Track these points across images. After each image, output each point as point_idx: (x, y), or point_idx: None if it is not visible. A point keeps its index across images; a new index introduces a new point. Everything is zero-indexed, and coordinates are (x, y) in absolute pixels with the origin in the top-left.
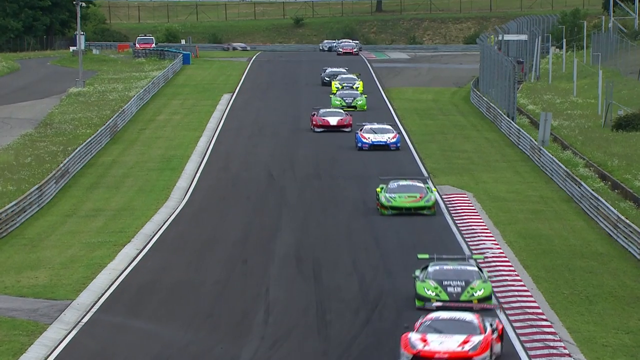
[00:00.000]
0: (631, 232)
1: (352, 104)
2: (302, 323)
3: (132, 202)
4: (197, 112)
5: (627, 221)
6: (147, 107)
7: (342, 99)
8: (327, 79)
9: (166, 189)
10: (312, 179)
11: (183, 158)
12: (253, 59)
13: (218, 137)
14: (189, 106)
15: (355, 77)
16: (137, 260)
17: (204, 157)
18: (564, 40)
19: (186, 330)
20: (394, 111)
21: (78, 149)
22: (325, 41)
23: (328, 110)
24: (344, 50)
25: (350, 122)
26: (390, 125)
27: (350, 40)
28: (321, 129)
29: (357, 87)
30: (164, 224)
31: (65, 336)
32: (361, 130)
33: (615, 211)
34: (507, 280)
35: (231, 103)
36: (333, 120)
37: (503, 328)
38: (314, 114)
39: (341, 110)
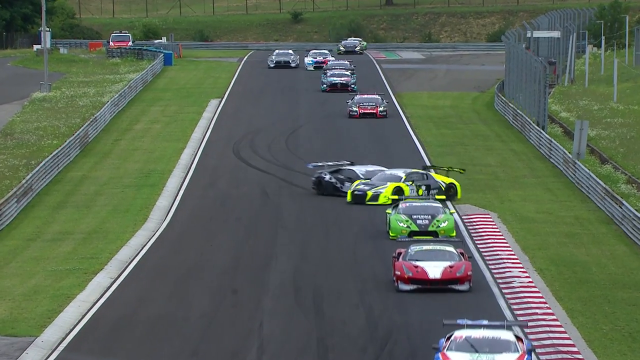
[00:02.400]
0: None
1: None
2: None
3: (105, 224)
4: (181, 121)
5: None
6: (122, 114)
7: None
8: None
9: (144, 208)
10: (313, 197)
11: (164, 173)
12: (244, 59)
13: (204, 149)
14: (171, 114)
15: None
16: (111, 291)
17: (188, 172)
18: (603, 37)
19: None
20: (407, 119)
21: (43, 162)
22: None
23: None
24: (361, 111)
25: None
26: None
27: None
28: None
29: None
30: (142, 248)
31: None
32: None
33: None
34: (537, 314)
35: (219, 110)
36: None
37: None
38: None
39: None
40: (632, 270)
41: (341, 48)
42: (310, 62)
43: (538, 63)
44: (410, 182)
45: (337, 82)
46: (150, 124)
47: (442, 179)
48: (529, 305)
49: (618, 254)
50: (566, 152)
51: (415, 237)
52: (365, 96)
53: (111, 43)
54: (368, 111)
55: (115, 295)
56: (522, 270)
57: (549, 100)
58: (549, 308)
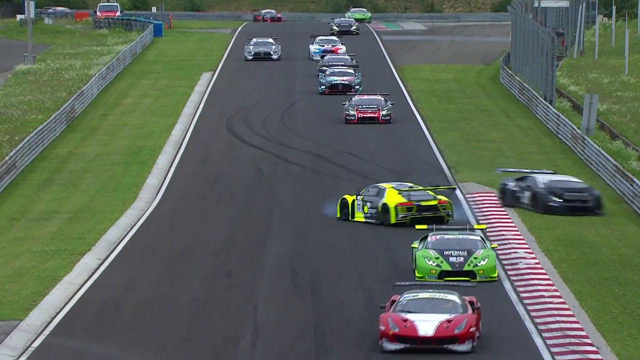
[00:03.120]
0: None
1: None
2: (297, 348)
3: (93, 203)
4: (171, 95)
5: None
6: (110, 88)
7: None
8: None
9: (134, 186)
10: (310, 175)
11: (154, 150)
12: (238, 30)
13: (196, 124)
14: (161, 87)
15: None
16: (99, 273)
17: (180, 148)
18: (614, 6)
19: (158, 356)
20: (408, 94)
21: (27, 138)
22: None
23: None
24: (360, 115)
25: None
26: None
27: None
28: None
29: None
30: (132, 229)
31: None
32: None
33: None
34: (544, 296)
35: (212, 84)
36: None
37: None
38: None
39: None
40: None
41: (334, 27)
42: (317, 50)
43: (545, 34)
44: (360, 197)
45: (338, 82)
46: (140, 98)
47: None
48: (535, 287)
49: (629, 233)
50: (575, 127)
51: (448, 279)
52: (366, 97)
53: (98, 13)
54: (368, 115)
55: (103, 277)
56: (528, 251)
57: (557, 73)
58: (557, 290)
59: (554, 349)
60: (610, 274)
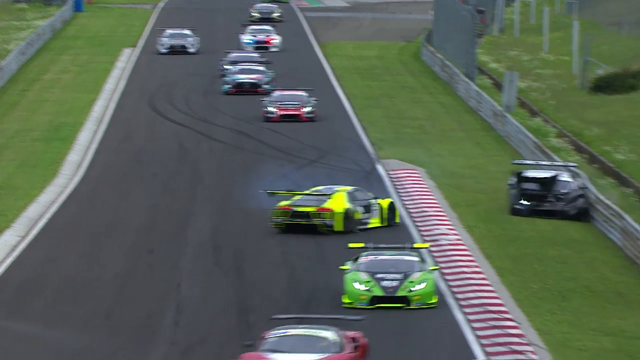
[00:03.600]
0: (612, 214)
1: None
2: (220, 325)
3: (13, 180)
4: (93, 71)
5: (608, 202)
6: (30, 64)
7: None
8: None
9: (54, 163)
10: (233, 152)
11: (75, 126)
12: (160, 6)
13: (119, 101)
14: (82, 63)
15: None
16: (19, 251)
17: (101, 125)
18: None
19: (80, 334)
20: (331, 70)
21: None
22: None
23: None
24: (281, 112)
25: None
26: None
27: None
28: None
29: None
30: (52, 205)
31: None
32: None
33: (594, 189)
34: (465, 272)
35: (134, 60)
36: None
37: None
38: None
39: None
40: (562, 227)
41: (254, 14)
42: (250, 41)
43: (466, 12)
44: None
45: (244, 81)
46: (60, 74)
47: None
48: (457, 264)
49: None
50: (495, 104)
51: (379, 305)
52: (287, 92)
53: None
54: (290, 112)
55: (24, 255)
56: (450, 227)
57: (478, 50)
58: (478, 267)
59: (474, 324)
60: (530, 250)
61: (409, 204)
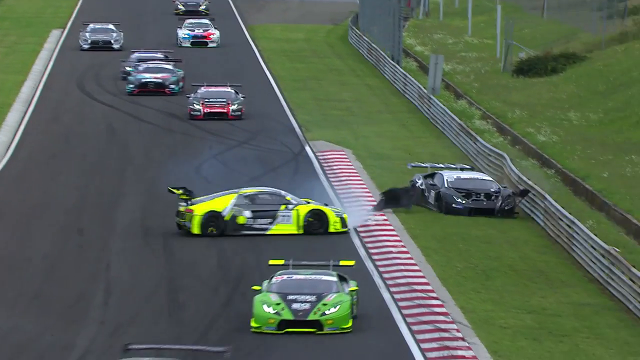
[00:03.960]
0: (534, 195)
1: None
2: (150, 305)
3: None
4: (21, 52)
5: (530, 182)
6: None
7: None
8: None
9: None
10: (162, 133)
11: (3, 107)
12: None
13: (46, 82)
14: (9, 44)
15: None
16: None
17: (30, 106)
18: None
19: (8, 314)
20: (259, 53)
21: None
22: None
23: None
24: (206, 110)
25: None
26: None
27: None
28: None
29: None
30: None
31: None
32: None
33: (517, 170)
34: (392, 252)
35: (62, 41)
36: None
37: None
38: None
39: None
40: None
41: (179, 7)
42: (186, 35)
43: None
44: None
45: (149, 80)
46: None
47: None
48: (384, 244)
49: None
50: (421, 87)
51: (289, 330)
52: (213, 89)
53: None
54: (216, 110)
55: None
56: None
57: (404, 33)
58: (404, 246)
59: (401, 303)
60: (454, 230)
61: (336, 185)
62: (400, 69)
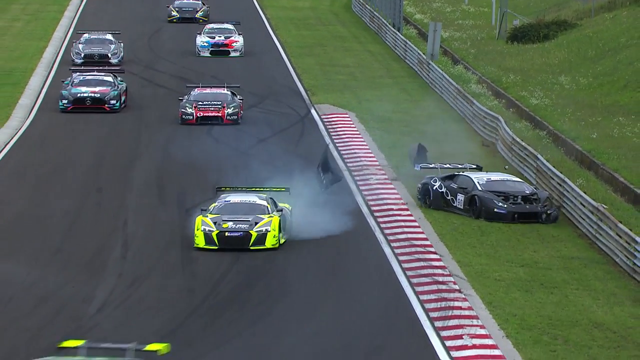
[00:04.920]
0: (527, 155)
1: None
2: (165, 258)
3: None
4: (42, 19)
5: (523, 143)
6: None
7: None
8: None
9: (7, 106)
10: (176, 97)
11: (26, 71)
12: None
13: (66, 48)
14: (32, 12)
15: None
16: None
17: (51, 70)
18: None
19: (31, 267)
20: (267, 21)
21: None
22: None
23: None
24: (199, 114)
25: None
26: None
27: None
28: None
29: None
30: (5, 147)
31: None
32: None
33: (511, 132)
34: (392, 209)
35: (81, 8)
36: None
37: None
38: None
39: None
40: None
41: (173, 13)
42: (205, 43)
43: None
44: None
45: (85, 95)
46: (11, 22)
47: None
48: (385, 201)
49: (469, 150)
50: (420, 53)
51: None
52: (208, 91)
53: None
54: (210, 114)
55: None
56: (378, 168)
57: (404, 2)
58: (404, 204)
59: (401, 257)
60: None
61: (340, 146)
62: (401, 36)
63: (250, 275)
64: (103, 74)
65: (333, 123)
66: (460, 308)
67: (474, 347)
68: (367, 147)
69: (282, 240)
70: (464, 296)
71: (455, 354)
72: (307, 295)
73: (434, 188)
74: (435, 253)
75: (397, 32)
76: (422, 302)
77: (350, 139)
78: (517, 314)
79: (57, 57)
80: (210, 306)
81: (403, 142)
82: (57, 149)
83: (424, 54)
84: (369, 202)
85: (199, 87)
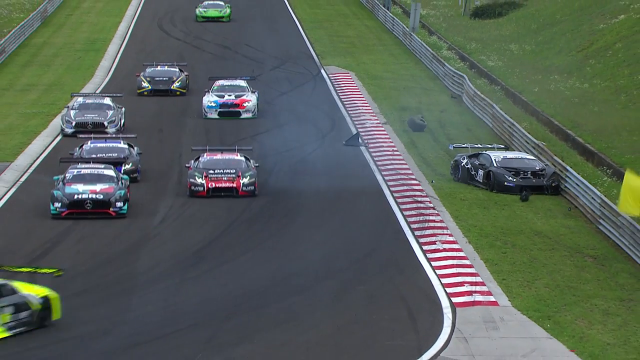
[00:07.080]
0: (485, 105)
1: None
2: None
3: (62, 79)
4: (117, 0)
5: (482, 95)
6: None
7: None
8: None
9: (91, 67)
10: (218, 60)
11: (105, 41)
12: None
13: (136, 22)
14: None
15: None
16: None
17: (124, 40)
18: None
19: None
20: (287, 1)
21: (13, 31)
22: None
23: None
24: (212, 184)
25: None
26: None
27: None
28: None
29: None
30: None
31: (5, 193)
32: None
33: (473, 87)
34: (383, 145)
35: None
36: None
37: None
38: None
39: None
40: (454, 115)
41: (144, 84)
42: (213, 103)
43: None
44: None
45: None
46: (94, 3)
47: (31, 291)
48: (377, 140)
49: (441, 101)
50: (404, 26)
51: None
52: (219, 157)
53: None
54: (223, 185)
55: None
56: (372, 114)
57: None
58: (391, 141)
59: (389, 183)
60: (429, 127)
61: (344, 99)
62: (390, 13)
63: (275, 196)
64: (103, 165)
65: (338, 80)
66: (434, 221)
67: (444, 250)
68: (364, 98)
69: None
70: (437, 212)
71: (430, 255)
72: (318, 212)
73: (462, 165)
74: (415, 179)
75: (387, 11)
76: (405, 217)
77: (351, 93)
78: (477, 225)
79: (128, 30)
80: (244, 220)
81: (392, 95)
82: (128, 100)
83: (407, 27)
84: (365, 140)
85: (206, 151)
